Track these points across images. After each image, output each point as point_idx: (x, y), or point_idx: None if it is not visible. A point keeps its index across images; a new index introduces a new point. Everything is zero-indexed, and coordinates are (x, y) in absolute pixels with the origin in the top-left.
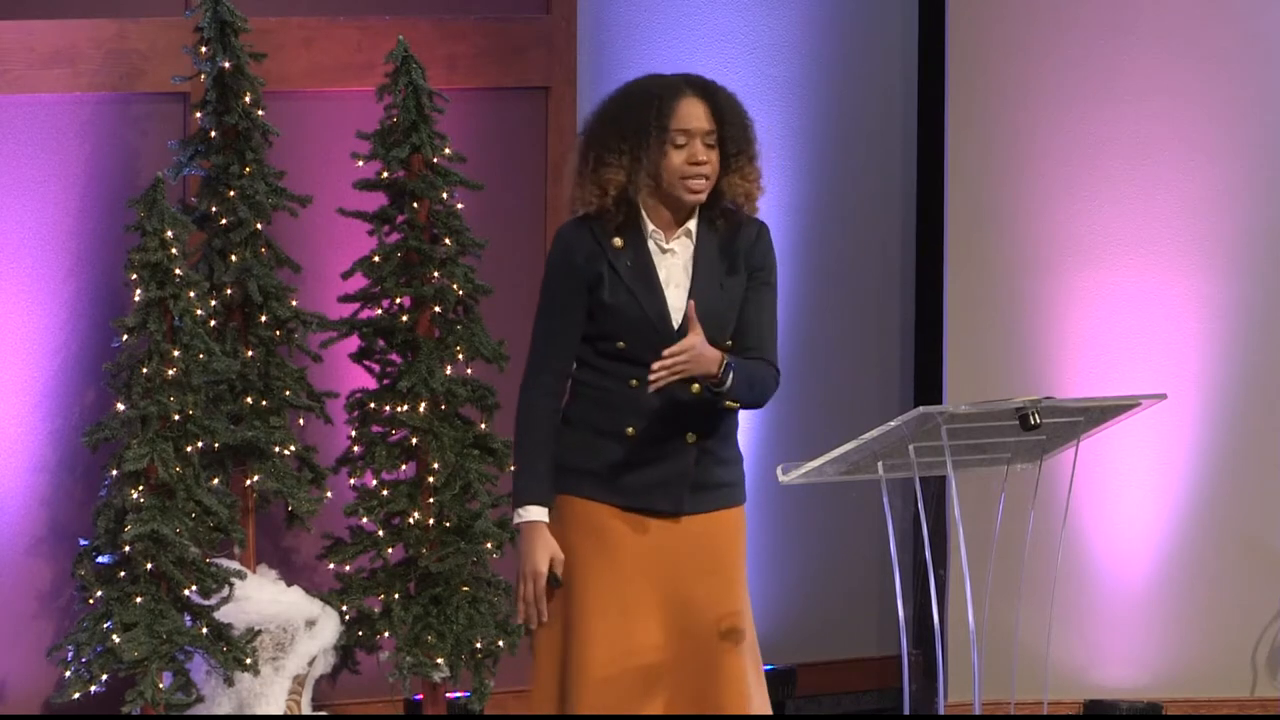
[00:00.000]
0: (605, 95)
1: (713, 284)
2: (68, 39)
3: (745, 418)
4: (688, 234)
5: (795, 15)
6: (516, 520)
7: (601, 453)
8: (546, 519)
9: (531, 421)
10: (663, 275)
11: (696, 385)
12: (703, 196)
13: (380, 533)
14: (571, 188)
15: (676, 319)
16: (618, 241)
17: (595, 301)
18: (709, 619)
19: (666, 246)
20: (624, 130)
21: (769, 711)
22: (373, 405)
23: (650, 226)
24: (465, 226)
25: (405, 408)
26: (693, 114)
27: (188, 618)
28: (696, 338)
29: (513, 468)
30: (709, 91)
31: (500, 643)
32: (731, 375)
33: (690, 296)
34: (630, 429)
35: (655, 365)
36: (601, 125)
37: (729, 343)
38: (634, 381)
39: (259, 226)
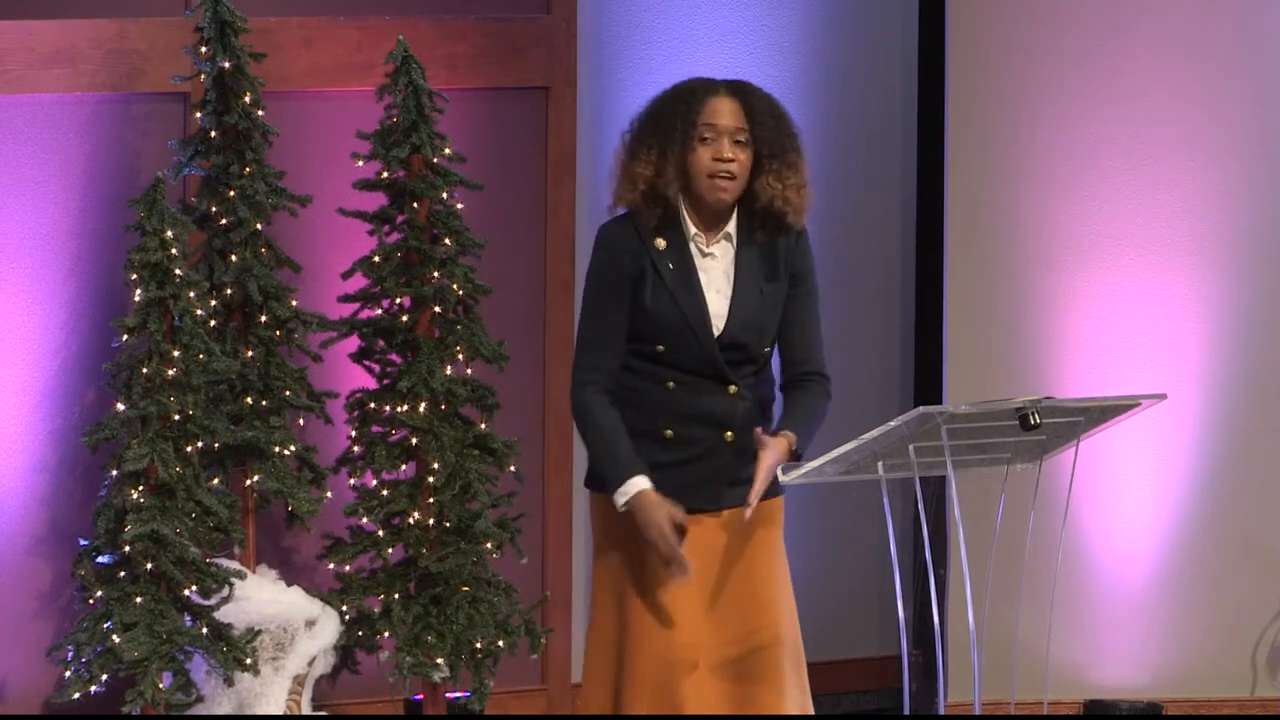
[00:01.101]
0: (648, 100)
1: (754, 291)
2: (68, 39)
3: None
4: (728, 237)
5: (795, 15)
6: (622, 501)
7: (640, 453)
8: (649, 484)
9: (593, 411)
10: (704, 279)
11: (734, 387)
12: (729, 197)
13: (380, 533)
14: (612, 187)
15: (717, 324)
16: (660, 243)
17: (636, 302)
18: (748, 615)
19: (707, 250)
20: (654, 125)
21: (810, 708)
22: (373, 405)
23: (692, 229)
24: (465, 226)
25: (405, 408)
26: (722, 110)
27: (188, 618)
28: (772, 455)
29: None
30: (744, 91)
31: (500, 643)
32: (803, 450)
33: (732, 304)
34: (669, 432)
35: (749, 507)
36: (638, 121)
37: (766, 349)
38: (671, 384)
39: (259, 226)
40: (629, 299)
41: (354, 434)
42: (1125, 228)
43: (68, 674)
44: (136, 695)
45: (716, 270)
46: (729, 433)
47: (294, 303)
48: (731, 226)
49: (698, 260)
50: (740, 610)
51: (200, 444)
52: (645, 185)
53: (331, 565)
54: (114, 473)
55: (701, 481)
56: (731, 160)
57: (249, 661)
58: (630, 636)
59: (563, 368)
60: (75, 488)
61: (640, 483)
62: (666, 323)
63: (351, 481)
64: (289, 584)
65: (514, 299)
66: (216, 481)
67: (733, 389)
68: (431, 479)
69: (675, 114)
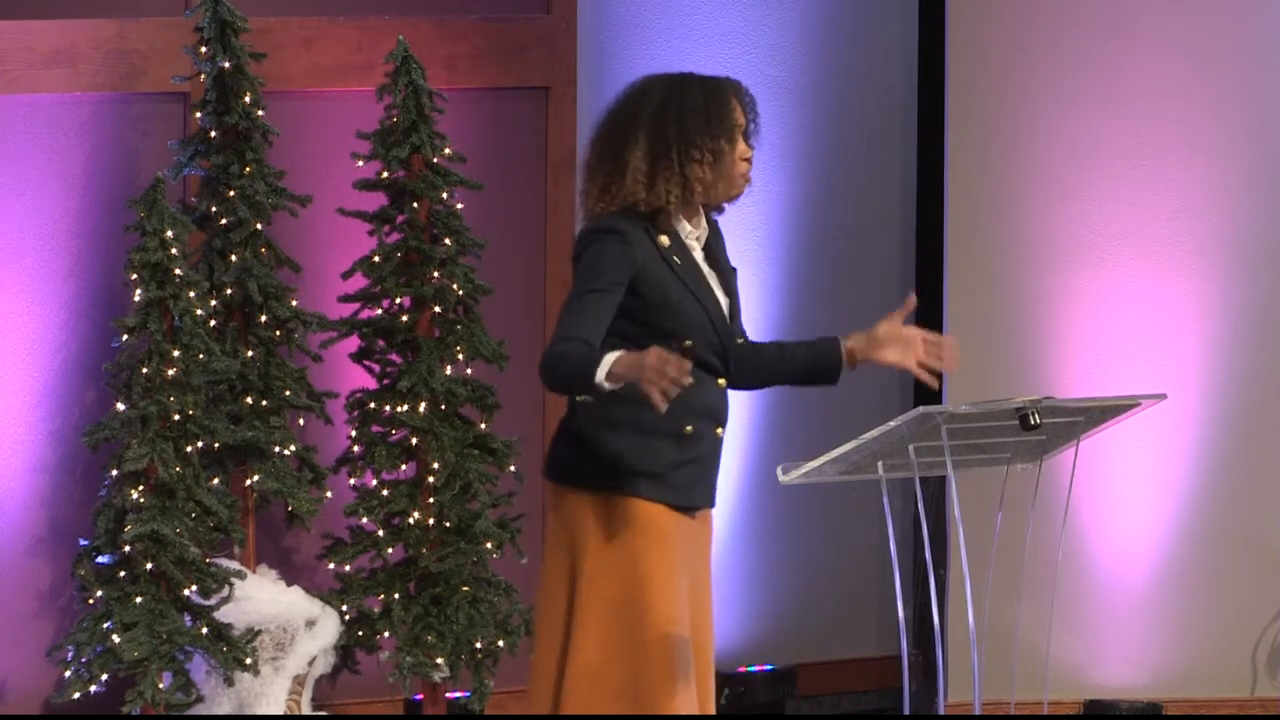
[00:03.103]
0: (663, 93)
1: (729, 283)
2: (68, 39)
3: (745, 417)
4: (702, 232)
5: (795, 15)
6: (605, 379)
7: (657, 453)
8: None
9: (568, 351)
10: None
11: (723, 379)
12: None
13: (380, 533)
14: (635, 185)
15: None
16: (664, 239)
17: (653, 299)
18: (707, 610)
19: (694, 245)
20: (712, 124)
21: None
22: (373, 405)
23: (687, 226)
24: (465, 226)
25: (405, 408)
26: (739, 105)
27: (188, 618)
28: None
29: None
30: (739, 86)
31: (500, 643)
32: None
33: (725, 295)
34: (689, 427)
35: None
36: (682, 121)
37: (740, 339)
38: (690, 379)
39: (259, 226)
40: (623, 294)
41: (354, 434)
42: (1125, 228)
43: (68, 674)
44: (136, 695)
45: (703, 265)
46: (719, 428)
47: (294, 303)
48: (704, 220)
49: (694, 255)
50: (702, 595)
51: (200, 444)
52: (704, 188)
53: (331, 565)
54: (114, 473)
55: (707, 478)
56: (750, 154)
57: (249, 661)
58: (649, 643)
59: None
60: (75, 488)
61: (609, 357)
62: (692, 318)
63: (351, 481)
64: (289, 584)
65: (514, 299)
66: (216, 481)
67: (721, 381)
68: (431, 479)
69: (726, 112)
